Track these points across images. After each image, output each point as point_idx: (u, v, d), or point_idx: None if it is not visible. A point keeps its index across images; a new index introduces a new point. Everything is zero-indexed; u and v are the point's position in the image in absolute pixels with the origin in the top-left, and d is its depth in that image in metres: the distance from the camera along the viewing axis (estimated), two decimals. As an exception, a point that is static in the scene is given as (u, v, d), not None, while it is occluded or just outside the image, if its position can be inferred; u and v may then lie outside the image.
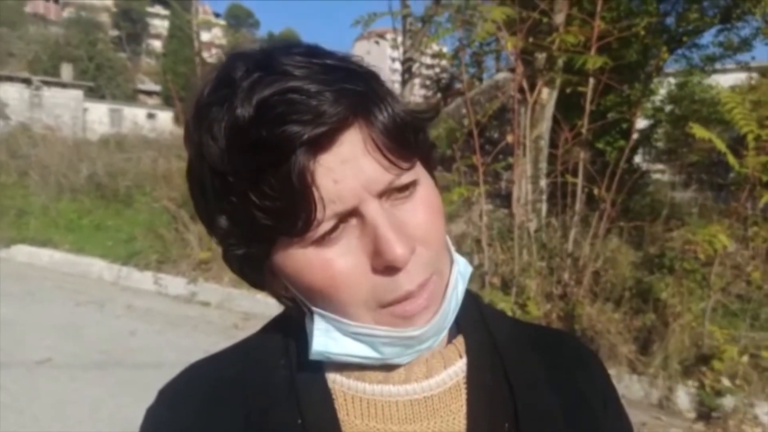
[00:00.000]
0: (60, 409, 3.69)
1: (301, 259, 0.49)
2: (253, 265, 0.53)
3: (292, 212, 0.45)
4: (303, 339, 0.54)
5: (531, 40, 4.70)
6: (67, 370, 4.30)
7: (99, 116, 27.39)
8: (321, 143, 0.45)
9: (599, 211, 4.75)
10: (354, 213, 0.47)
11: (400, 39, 6.54)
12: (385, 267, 0.48)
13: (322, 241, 0.47)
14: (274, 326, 0.62)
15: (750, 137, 3.96)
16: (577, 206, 4.91)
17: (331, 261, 0.48)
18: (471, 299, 0.60)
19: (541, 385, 0.59)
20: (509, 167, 5.40)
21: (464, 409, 0.56)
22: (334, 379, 0.56)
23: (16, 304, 5.83)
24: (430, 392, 0.56)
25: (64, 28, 41.21)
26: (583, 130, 4.80)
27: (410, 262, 0.48)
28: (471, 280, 0.58)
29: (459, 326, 0.59)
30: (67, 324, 5.38)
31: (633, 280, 4.63)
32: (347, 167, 0.46)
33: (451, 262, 0.55)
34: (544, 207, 5.45)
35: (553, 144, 5.38)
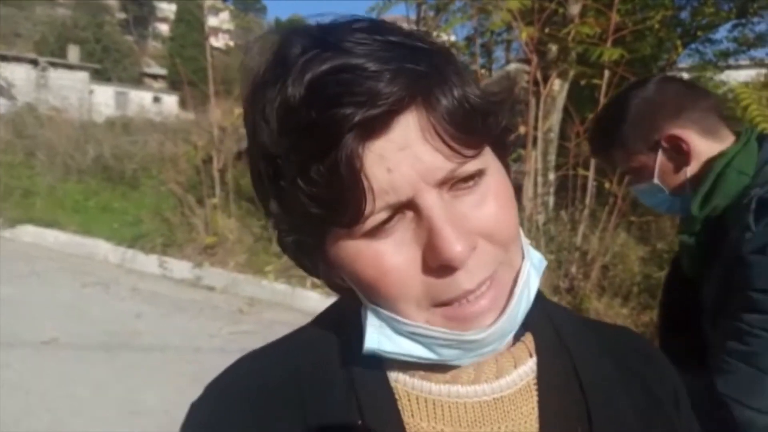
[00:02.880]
0: (66, 389, 3.70)
1: (352, 251, 0.46)
2: (306, 253, 0.51)
3: (341, 202, 0.42)
4: (360, 333, 0.50)
5: (546, 30, 4.65)
6: (73, 351, 4.32)
7: (105, 98, 27.34)
8: (373, 127, 0.41)
9: (609, 205, 4.72)
10: (409, 205, 0.44)
11: (411, 27, 6.49)
12: (441, 265, 0.44)
13: (374, 232, 0.44)
14: (328, 318, 0.59)
15: None
16: (588, 200, 4.88)
17: (383, 254, 0.45)
18: (536, 294, 0.55)
19: (612, 385, 0.56)
20: (519, 159, 5.37)
21: (536, 411, 0.53)
22: (396, 377, 0.52)
23: (21, 284, 5.85)
24: (500, 393, 0.52)
25: (71, 9, 41.06)
26: (597, 123, 4.75)
27: (471, 258, 0.44)
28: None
29: (526, 323, 0.53)
30: (73, 305, 5.39)
31: (641, 275, 4.62)
32: (402, 155, 0.42)
33: (523, 257, 0.50)
34: (551, 200, 5.42)
35: (563, 137, 5.35)
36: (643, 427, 0.54)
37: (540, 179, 5.07)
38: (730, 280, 1.04)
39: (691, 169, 1.15)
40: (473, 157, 0.44)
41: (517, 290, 0.48)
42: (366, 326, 0.49)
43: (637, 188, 1.26)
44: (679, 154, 1.15)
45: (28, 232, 8.06)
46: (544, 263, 0.54)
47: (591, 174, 4.81)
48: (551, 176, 5.36)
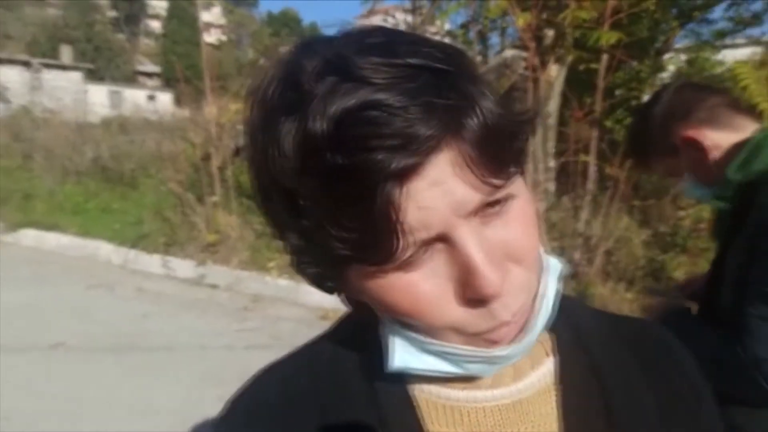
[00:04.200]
0: (77, 392, 3.71)
1: (382, 284, 0.44)
2: (328, 281, 0.49)
3: (372, 244, 0.41)
4: (379, 346, 0.50)
5: (543, 16, 4.63)
6: (81, 354, 4.33)
7: (100, 98, 27.25)
8: (408, 173, 0.39)
9: (611, 189, 4.72)
10: (441, 238, 0.42)
11: (404, 17, 6.45)
12: (477, 300, 0.43)
13: (404, 265, 0.43)
14: (344, 328, 0.58)
15: (766, 114, 3.91)
16: (589, 185, 4.88)
17: (416, 284, 0.43)
18: None
19: (634, 383, 0.55)
20: (518, 146, 5.36)
21: (556, 411, 0.52)
22: (415, 386, 0.52)
23: (26, 288, 5.85)
24: (519, 396, 0.52)
25: (61, 9, 40.79)
26: (597, 108, 4.74)
27: (504, 288, 0.43)
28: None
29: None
30: (79, 307, 5.40)
31: (645, 259, 4.62)
32: (435, 191, 0.40)
33: (541, 270, 0.50)
34: (552, 186, 5.42)
35: (562, 122, 5.33)
36: (664, 422, 0.54)
37: (540, 166, 5.06)
38: (756, 246, 1.10)
39: (713, 158, 1.24)
40: (503, 186, 0.43)
41: (536, 305, 0.48)
42: (390, 344, 0.48)
43: (682, 187, 1.36)
44: (698, 150, 1.24)
45: (29, 236, 8.06)
46: (560, 267, 0.53)
47: (592, 159, 4.80)
48: (551, 163, 5.35)
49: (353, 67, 0.39)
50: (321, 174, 0.40)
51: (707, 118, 1.23)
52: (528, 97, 4.80)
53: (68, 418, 3.39)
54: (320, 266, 0.47)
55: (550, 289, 0.50)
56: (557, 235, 4.84)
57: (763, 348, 1.04)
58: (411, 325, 0.47)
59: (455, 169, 0.40)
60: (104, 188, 9.67)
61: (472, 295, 0.43)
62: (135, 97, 28.93)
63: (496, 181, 0.42)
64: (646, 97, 6.45)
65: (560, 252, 4.74)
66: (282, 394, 0.55)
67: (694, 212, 4.95)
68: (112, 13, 46.71)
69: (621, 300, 4.23)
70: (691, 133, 1.23)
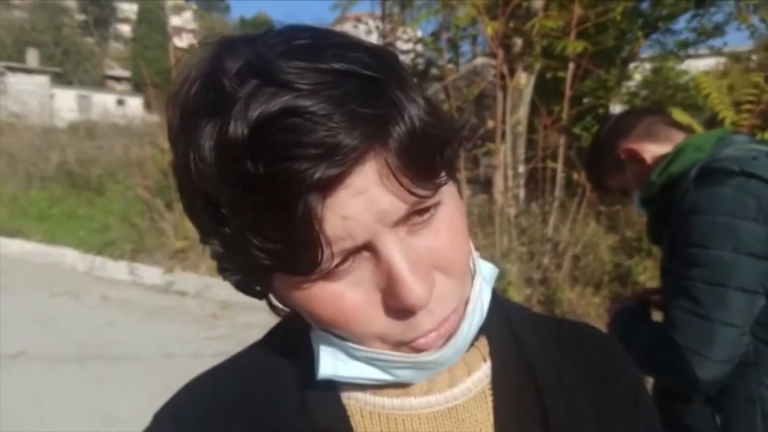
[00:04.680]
0: (37, 403, 3.61)
1: (306, 294, 0.43)
2: (253, 288, 0.49)
3: (295, 255, 0.40)
4: (310, 353, 0.49)
5: (511, 25, 4.69)
6: (42, 363, 4.21)
7: (67, 103, 26.74)
8: (331, 183, 0.38)
9: (578, 196, 4.79)
10: (366, 247, 0.41)
11: (377, 24, 6.48)
12: (402, 309, 0.43)
13: (329, 275, 0.42)
14: (275, 338, 0.57)
15: (726, 122, 4.01)
16: (557, 191, 4.95)
17: (341, 295, 0.43)
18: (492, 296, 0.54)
19: (571, 387, 0.55)
20: (488, 153, 5.41)
21: (491, 417, 0.52)
22: (348, 395, 0.51)
23: (-14, 296, 5.68)
24: (454, 402, 0.51)
25: (28, 12, 39.96)
26: (564, 116, 4.82)
27: (431, 298, 0.43)
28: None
29: (481, 327, 0.52)
30: (41, 316, 5.26)
31: (611, 264, 4.70)
32: (358, 200, 0.39)
33: (473, 276, 0.49)
34: (522, 192, 5.48)
35: (531, 129, 5.40)
36: (600, 425, 0.54)
37: (510, 172, 5.12)
38: (675, 241, 1.20)
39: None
40: (431, 196, 0.42)
41: (469, 309, 0.48)
42: (319, 353, 0.48)
43: (635, 204, 1.44)
44: (639, 162, 1.35)
45: (-9, 243, 7.84)
46: (496, 272, 0.53)
47: (559, 166, 4.87)
48: (521, 169, 5.41)
49: (277, 71, 0.38)
50: (241, 182, 0.38)
51: (645, 133, 1.36)
52: (497, 105, 4.85)
53: (29, 430, 3.30)
54: (243, 274, 0.46)
55: (482, 295, 0.50)
56: (526, 240, 4.88)
57: (684, 337, 1.11)
58: (342, 335, 0.46)
59: (381, 178, 0.39)
60: (70, 194, 9.47)
61: (397, 305, 0.42)
62: (104, 101, 28.45)
63: (422, 192, 0.41)
64: (612, 106, 6.58)
65: (529, 257, 4.79)
66: (212, 403, 0.53)
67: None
68: (81, 17, 45.93)
69: (588, 304, 4.29)
70: (632, 145, 1.35)
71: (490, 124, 4.76)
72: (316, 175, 0.37)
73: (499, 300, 0.58)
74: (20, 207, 8.96)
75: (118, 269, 6.65)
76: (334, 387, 0.51)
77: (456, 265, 0.45)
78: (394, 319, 0.44)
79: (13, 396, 3.70)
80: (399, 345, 0.45)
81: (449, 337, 0.46)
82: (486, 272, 0.52)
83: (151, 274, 6.42)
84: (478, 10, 4.39)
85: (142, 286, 6.32)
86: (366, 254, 0.42)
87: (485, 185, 6.05)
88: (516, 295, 4.39)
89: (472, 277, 0.49)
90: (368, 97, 0.38)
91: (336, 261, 0.41)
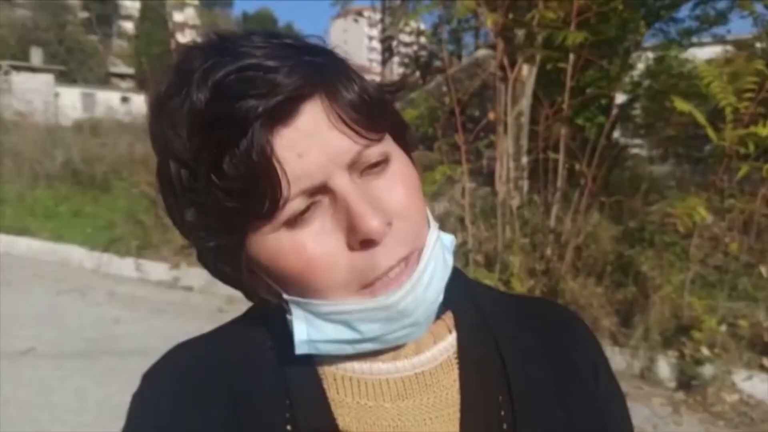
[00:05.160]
0: (46, 398, 3.66)
1: (274, 245, 0.47)
2: (228, 259, 0.51)
3: (256, 190, 0.44)
4: (287, 329, 0.52)
5: (511, 16, 4.67)
6: (51, 360, 4.26)
7: (71, 101, 26.80)
8: (278, 116, 0.44)
9: (580, 186, 4.78)
10: (324, 189, 0.46)
11: (378, 17, 6.47)
12: (361, 242, 0.46)
13: (293, 222, 0.46)
14: (256, 312, 0.61)
15: (728, 110, 4.00)
16: (559, 182, 4.94)
17: (305, 243, 0.47)
18: (456, 274, 0.58)
19: (532, 357, 0.59)
20: (491, 145, 5.41)
21: (457, 383, 0.55)
22: (321, 361, 0.55)
23: (-5, 294, 5.73)
24: (420, 368, 0.55)
25: (31, 10, 40.03)
26: (564, 106, 4.81)
27: (388, 236, 0.47)
28: (456, 258, 0.57)
29: (446, 301, 0.56)
30: (49, 313, 5.31)
31: (614, 254, 4.70)
32: (311, 140, 0.45)
33: (427, 230, 0.53)
34: (525, 184, 5.47)
35: (534, 121, 5.39)
36: (560, 395, 0.57)
37: (512, 164, 5.12)
38: None
39: None
40: (378, 140, 0.48)
41: (424, 255, 0.50)
42: (293, 320, 0.51)
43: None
44: None
45: (-1, 241, 7.90)
46: (453, 239, 0.57)
47: (561, 157, 4.86)
48: (524, 160, 5.40)
49: (235, 47, 0.46)
50: (203, 128, 0.44)
51: None
52: (499, 96, 4.85)
53: (38, 425, 3.34)
54: (217, 235, 0.49)
55: (443, 253, 0.53)
56: (529, 231, 4.89)
57: None
58: (308, 296, 0.50)
59: (331, 121, 0.45)
60: (75, 192, 9.52)
61: (356, 237, 0.46)
62: (108, 99, 28.50)
63: (370, 135, 0.47)
64: (616, 95, 6.54)
65: (532, 248, 4.80)
66: (193, 365, 0.58)
67: (662, 207, 5.05)
68: (84, 14, 45.98)
69: (591, 294, 4.30)
70: None
71: (492, 116, 4.75)
72: (260, 108, 0.43)
73: (463, 278, 0.62)
74: (26, 205, 9.01)
75: (124, 266, 6.70)
76: (308, 360, 0.54)
77: (411, 214, 0.49)
78: (356, 259, 0.47)
79: (23, 391, 3.75)
80: (362, 289, 0.48)
81: (407, 278, 0.49)
82: (446, 240, 0.55)
83: (157, 270, 6.47)
84: (477, 1, 4.38)
85: (148, 282, 6.37)
86: (326, 200, 0.47)
87: (488, 177, 6.05)
88: (519, 286, 4.41)
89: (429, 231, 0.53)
90: (311, 54, 0.47)
91: (298, 205, 0.46)
